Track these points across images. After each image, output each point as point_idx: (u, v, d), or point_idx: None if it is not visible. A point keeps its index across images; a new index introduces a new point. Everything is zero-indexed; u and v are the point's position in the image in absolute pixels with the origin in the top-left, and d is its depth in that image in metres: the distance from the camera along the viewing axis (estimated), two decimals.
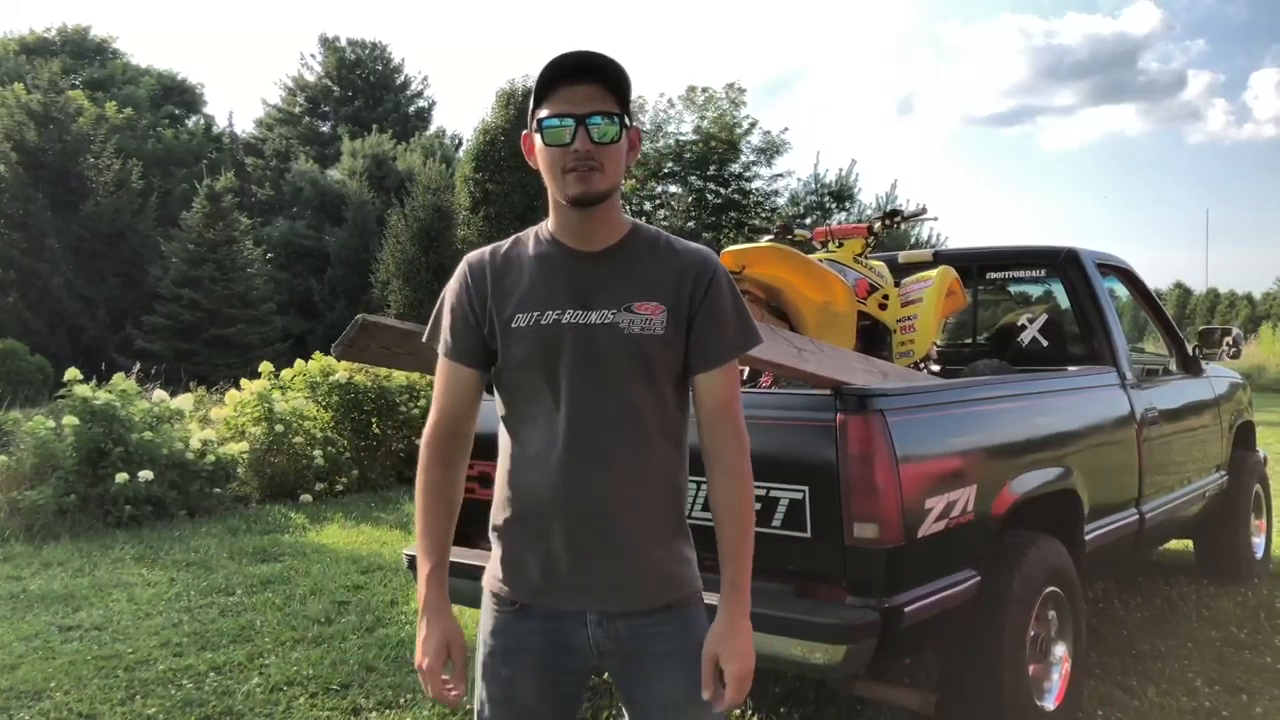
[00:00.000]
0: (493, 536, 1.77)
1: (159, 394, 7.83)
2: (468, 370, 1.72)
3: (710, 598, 1.77)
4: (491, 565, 1.77)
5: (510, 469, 1.73)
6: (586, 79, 1.61)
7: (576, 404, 1.65)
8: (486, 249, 1.77)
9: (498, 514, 1.75)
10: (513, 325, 1.67)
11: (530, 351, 1.66)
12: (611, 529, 1.66)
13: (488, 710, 1.77)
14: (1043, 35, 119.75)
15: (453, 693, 1.69)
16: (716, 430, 1.69)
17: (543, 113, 1.63)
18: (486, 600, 1.78)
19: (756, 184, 27.75)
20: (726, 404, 1.70)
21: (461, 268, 1.75)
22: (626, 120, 1.64)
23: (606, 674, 1.81)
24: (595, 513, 1.66)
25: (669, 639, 1.70)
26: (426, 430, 1.76)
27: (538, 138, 1.65)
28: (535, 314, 1.66)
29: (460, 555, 3.45)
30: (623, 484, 1.66)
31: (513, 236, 1.78)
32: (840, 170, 28.58)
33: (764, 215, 26.68)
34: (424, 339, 1.80)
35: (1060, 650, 3.27)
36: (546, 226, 1.74)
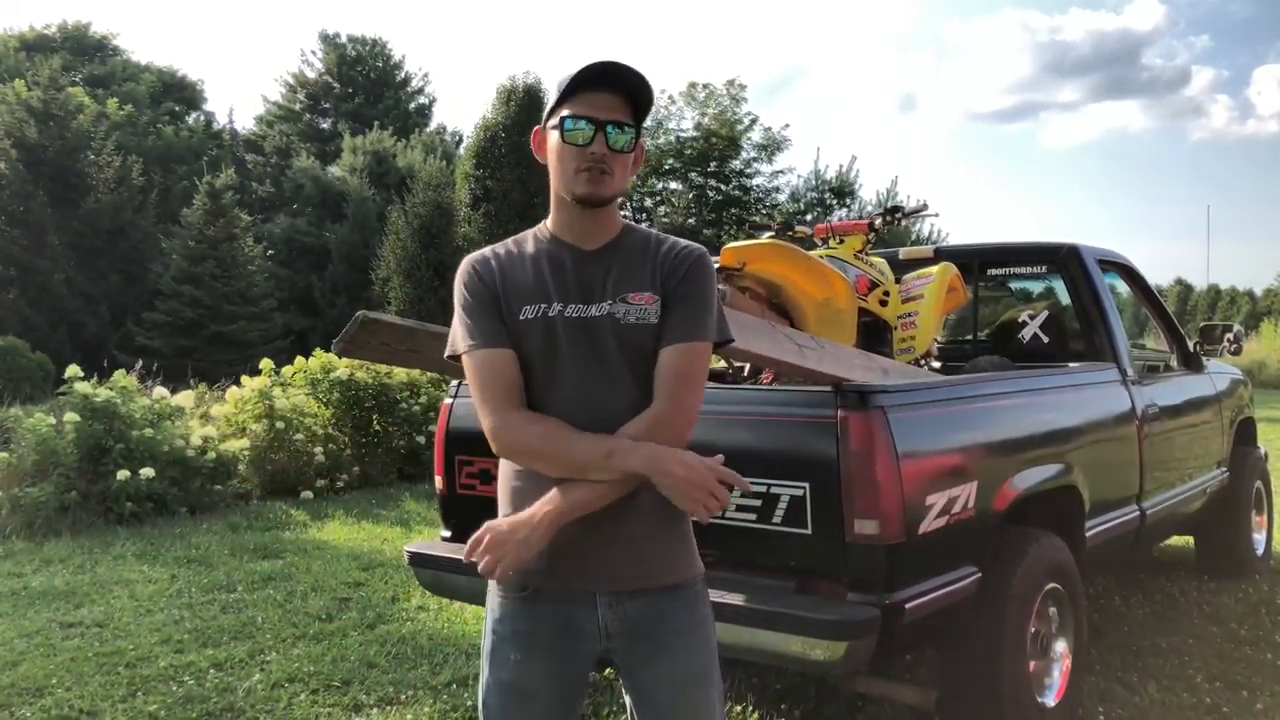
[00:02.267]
0: None
1: (160, 391, 7.83)
2: (506, 351, 1.71)
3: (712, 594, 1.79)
4: None
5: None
6: (610, 88, 1.69)
7: (578, 393, 1.70)
8: (487, 249, 1.82)
9: (503, 504, 1.78)
10: (520, 319, 1.72)
11: (535, 344, 1.71)
12: (618, 514, 1.69)
13: (494, 696, 1.79)
14: (1046, 31, 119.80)
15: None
16: (656, 392, 1.69)
17: (565, 111, 1.69)
18: (492, 589, 1.81)
19: (757, 181, 27.76)
20: (672, 374, 1.69)
21: (467, 268, 1.79)
22: (639, 133, 1.73)
23: (608, 669, 1.82)
24: None
25: (676, 617, 1.75)
26: (493, 422, 1.70)
27: (554, 134, 1.72)
28: (541, 307, 1.72)
29: (460, 552, 3.46)
30: None
31: (511, 239, 1.84)
32: (841, 167, 28.60)
33: (765, 212, 26.67)
34: (446, 355, 1.81)
35: (1061, 646, 3.27)
36: (546, 226, 1.81)
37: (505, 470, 1.79)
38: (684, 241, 1.81)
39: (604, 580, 1.72)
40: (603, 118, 1.67)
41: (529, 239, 1.81)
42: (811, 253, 3.82)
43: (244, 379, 8.45)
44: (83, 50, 36.60)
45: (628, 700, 1.83)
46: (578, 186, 1.69)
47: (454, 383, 3.64)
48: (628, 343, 1.71)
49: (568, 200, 1.74)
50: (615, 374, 1.70)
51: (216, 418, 8.35)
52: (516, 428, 1.69)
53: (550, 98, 1.75)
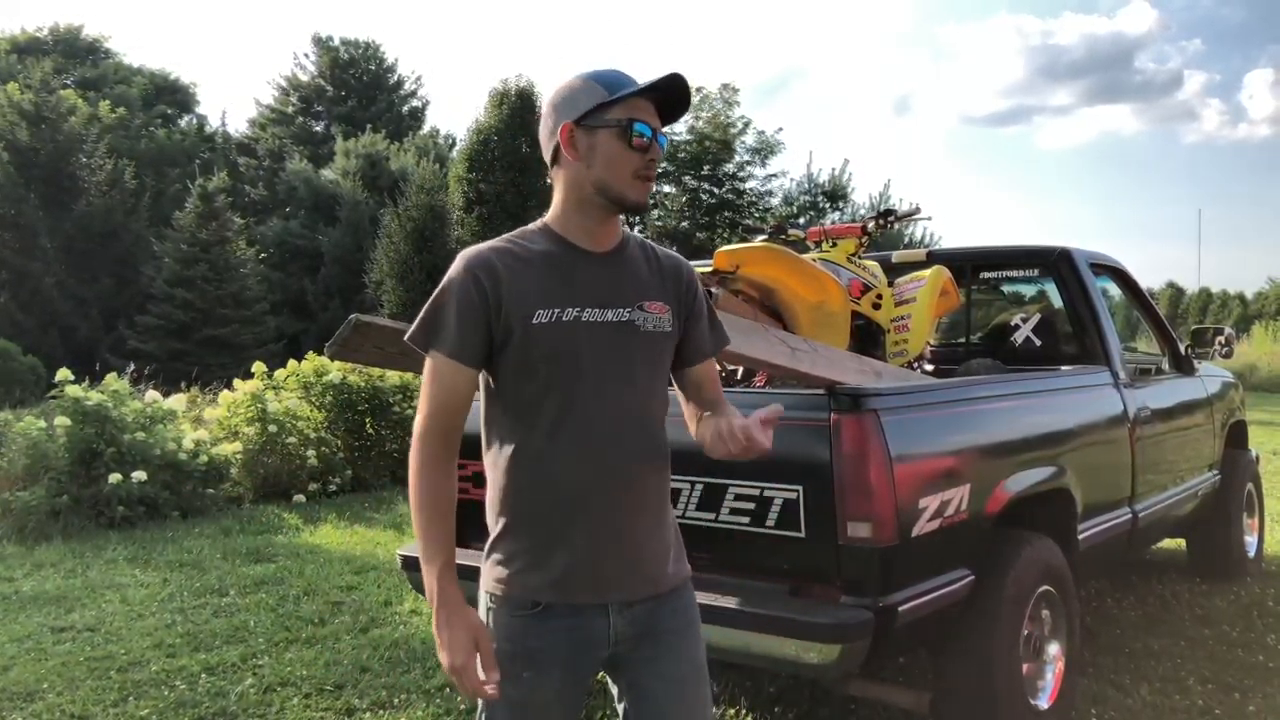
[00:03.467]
0: (499, 539, 1.75)
1: (152, 394, 7.81)
2: (469, 370, 1.70)
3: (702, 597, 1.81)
4: (495, 570, 1.75)
5: (522, 469, 1.71)
6: (650, 98, 1.71)
7: (593, 402, 1.68)
8: (486, 248, 1.73)
9: (506, 515, 1.73)
10: (533, 322, 1.66)
11: (551, 348, 1.66)
12: (633, 520, 1.71)
13: (502, 713, 1.74)
14: (1039, 35, 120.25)
15: (489, 687, 1.64)
16: (721, 407, 1.83)
17: (629, 115, 1.67)
18: (496, 609, 1.75)
19: (750, 184, 27.81)
20: (715, 376, 1.89)
21: (469, 268, 1.68)
22: None
23: (602, 673, 1.81)
24: (618, 505, 1.69)
25: (674, 616, 1.78)
26: (420, 430, 1.72)
27: (609, 134, 1.67)
28: (556, 310, 1.67)
29: (457, 556, 3.44)
30: (639, 476, 1.71)
31: (506, 236, 1.76)
32: (834, 170, 28.67)
33: (758, 215, 26.72)
34: (408, 336, 1.73)
35: (1054, 649, 3.28)
36: (549, 226, 1.75)
37: (497, 472, 1.74)
38: (673, 253, 1.88)
39: (618, 592, 1.71)
40: (659, 126, 1.72)
41: (534, 238, 1.74)
42: (804, 256, 3.83)
43: (236, 382, 8.43)
44: (75, 53, 36.54)
45: (623, 704, 1.81)
46: (633, 192, 1.70)
47: None
48: (646, 349, 1.73)
49: (600, 203, 1.70)
50: (630, 377, 1.71)
51: (209, 421, 8.33)
52: (418, 462, 1.72)
53: (543, 97, 1.74)
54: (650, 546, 1.74)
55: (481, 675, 1.63)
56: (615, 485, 1.69)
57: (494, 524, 1.75)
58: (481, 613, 1.75)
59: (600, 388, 1.68)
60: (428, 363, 1.72)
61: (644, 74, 1.71)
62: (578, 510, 1.68)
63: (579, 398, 1.67)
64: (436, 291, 1.72)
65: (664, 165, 26.76)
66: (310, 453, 8.15)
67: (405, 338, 1.74)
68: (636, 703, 1.78)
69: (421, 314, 1.72)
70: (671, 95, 1.72)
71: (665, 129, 1.77)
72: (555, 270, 1.70)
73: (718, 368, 1.92)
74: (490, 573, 1.76)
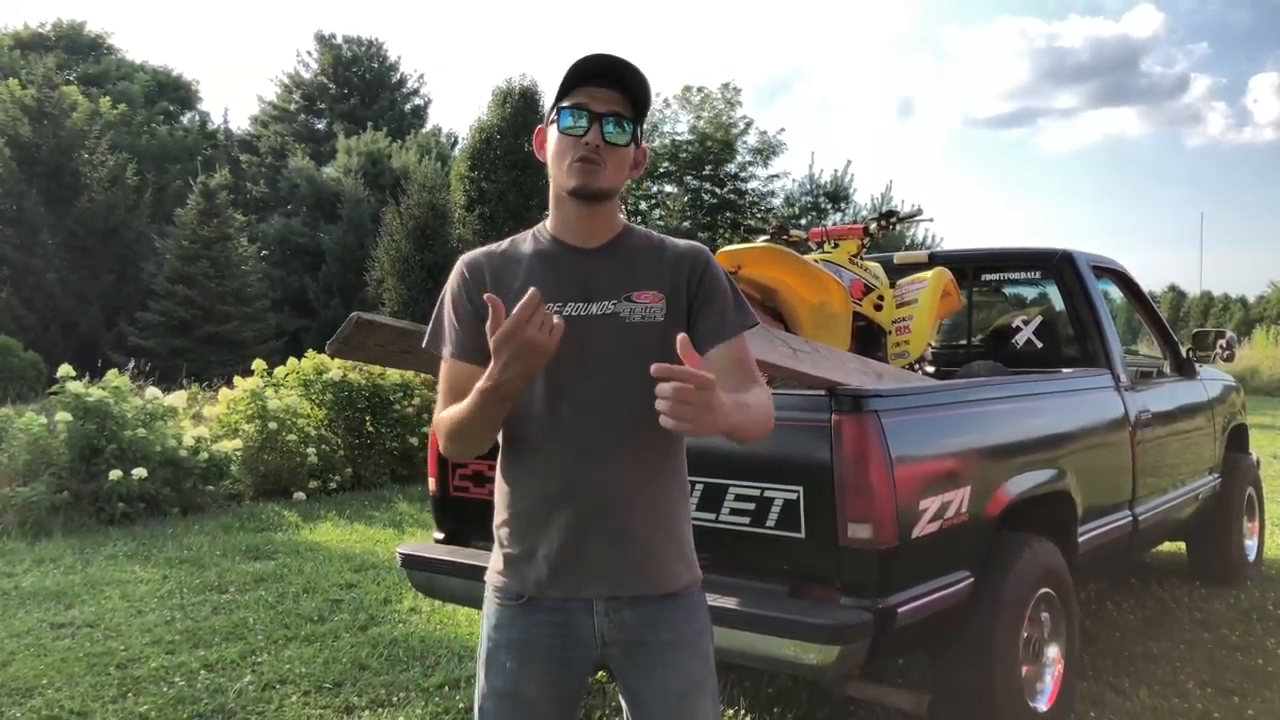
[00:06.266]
0: (496, 532, 1.78)
1: (152, 391, 7.81)
2: (470, 366, 1.71)
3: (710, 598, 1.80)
4: (494, 560, 1.79)
5: (512, 463, 1.74)
6: (610, 84, 1.67)
7: (579, 395, 1.67)
8: (483, 249, 1.80)
9: (500, 509, 1.76)
10: None
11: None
12: (618, 518, 1.68)
13: (490, 705, 1.77)
14: (1044, 38, 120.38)
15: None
16: (739, 379, 1.67)
17: (563, 104, 1.67)
18: (489, 596, 1.79)
19: (752, 184, 27.83)
20: (742, 360, 1.70)
21: (459, 268, 1.77)
22: (638, 131, 1.70)
23: (601, 673, 1.81)
24: (601, 502, 1.68)
25: (672, 627, 1.73)
26: (436, 422, 1.75)
27: (552, 127, 1.70)
28: None
29: (457, 555, 3.44)
30: (627, 473, 1.69)
31: (509, 238, 1.81)
32: (836, 171, 28.68)
33: (759, 216, 26.74)
34: (424, 344, 1.79)
35: (1053, 651, 3.28)
36: (545, 226, 1.78)
37: (501, 471, 1.77)
38: (686, 242, 1.80)
39: (601, 587, 1.70)
40: (599, 110, 1.65)
41: (528, 238, 1.78)
42: (806, 257, 3.83)
43: (236, 379, 8.43)
44: (77, 49, 36.57)
45: (624, 705, 1.82)
46: (570, 178, 1.66)
47: None
48: (633, 341, 1.68)
49: (564, 196, 1.70)
50: (616, 372, 1.67)
51: (209, 418, 8.33)
52: (439, 422, 1.71)
53: (548, 98, 1.74)
54: (636, 548, 1.70)
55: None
56: (596, 479, 1.67)
57: (495, 516, 1.79)
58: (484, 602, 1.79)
59: (583, 382, 1.67)
60: (442, 365, 1.76)
61: (646, 71, 1.69)
62: (559, 504, 1.68)
63: (561, 392, 1.68)
64: (440, 297, 1.78)
65: (665, 165, 26.79)
66: (310, 450, 8.16)
67: (424, 344, 1.79)
68: (633, 708, 1.77)
69: (434, 320, 1.78)
70: (617, 78, 1.66)
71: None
72: (542, 267, 1.72)
73: (747, 349, 1.74)
74: (490, 562, 1.80)
